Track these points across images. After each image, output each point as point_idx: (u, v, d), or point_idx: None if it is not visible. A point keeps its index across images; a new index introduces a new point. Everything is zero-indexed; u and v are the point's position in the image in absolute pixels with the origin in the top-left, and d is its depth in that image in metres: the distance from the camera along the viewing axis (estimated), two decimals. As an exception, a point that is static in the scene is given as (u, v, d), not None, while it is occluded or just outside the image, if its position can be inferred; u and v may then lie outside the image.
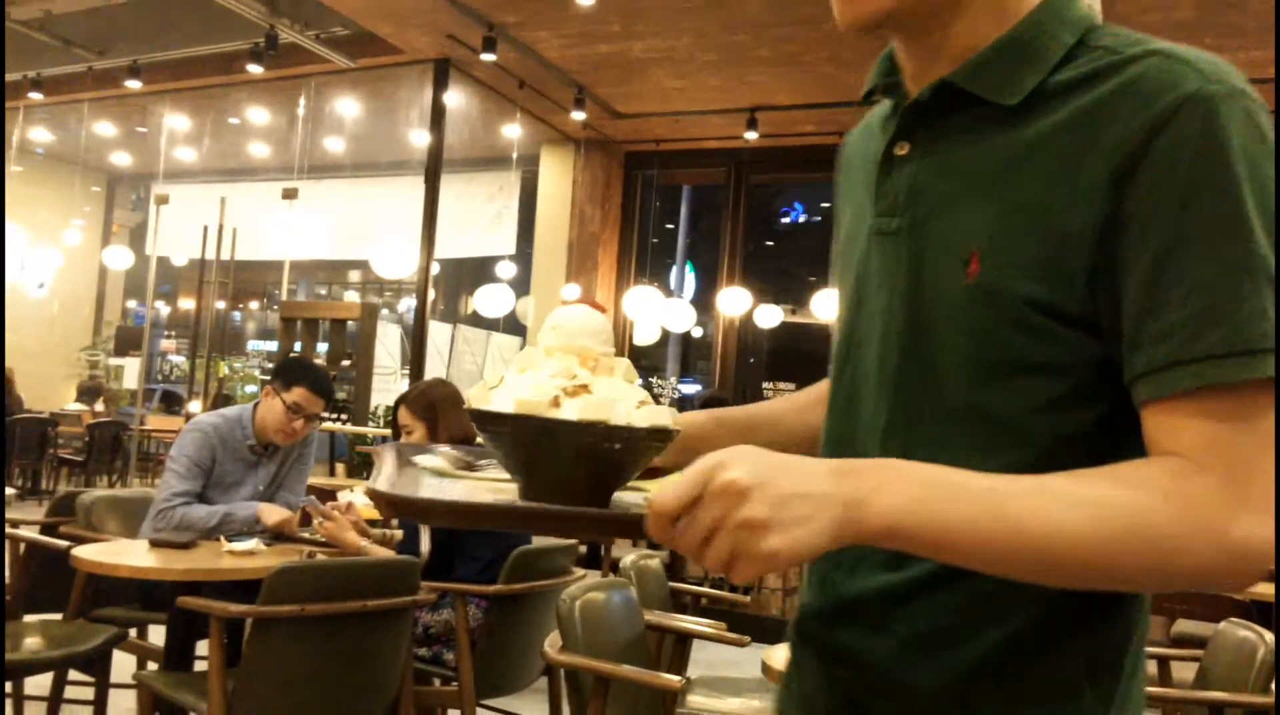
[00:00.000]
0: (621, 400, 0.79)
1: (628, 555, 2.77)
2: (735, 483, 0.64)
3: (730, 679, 2.98)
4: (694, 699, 2.73)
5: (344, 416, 6.98)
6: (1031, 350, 0.73)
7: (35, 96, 8.78)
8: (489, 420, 0.80)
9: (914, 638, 0.78)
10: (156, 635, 3.29)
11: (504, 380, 0.83)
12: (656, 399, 0.85)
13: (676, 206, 13.54)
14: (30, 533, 3.26)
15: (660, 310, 8.33)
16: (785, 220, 16.32)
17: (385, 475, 0.83)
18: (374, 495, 0.75)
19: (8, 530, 3.23)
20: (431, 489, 0.83)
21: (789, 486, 0.65)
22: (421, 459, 0.93)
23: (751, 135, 7.83)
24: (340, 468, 7.24)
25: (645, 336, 9.16)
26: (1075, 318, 0.72)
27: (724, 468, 0.65)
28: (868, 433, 0.83)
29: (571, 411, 0.77)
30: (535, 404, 0.78)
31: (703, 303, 9.20)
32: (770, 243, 16.20)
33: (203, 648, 2.95)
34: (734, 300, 8.32)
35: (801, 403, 1.06)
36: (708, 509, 0.65)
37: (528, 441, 0.79)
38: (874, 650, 0.80)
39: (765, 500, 0.64)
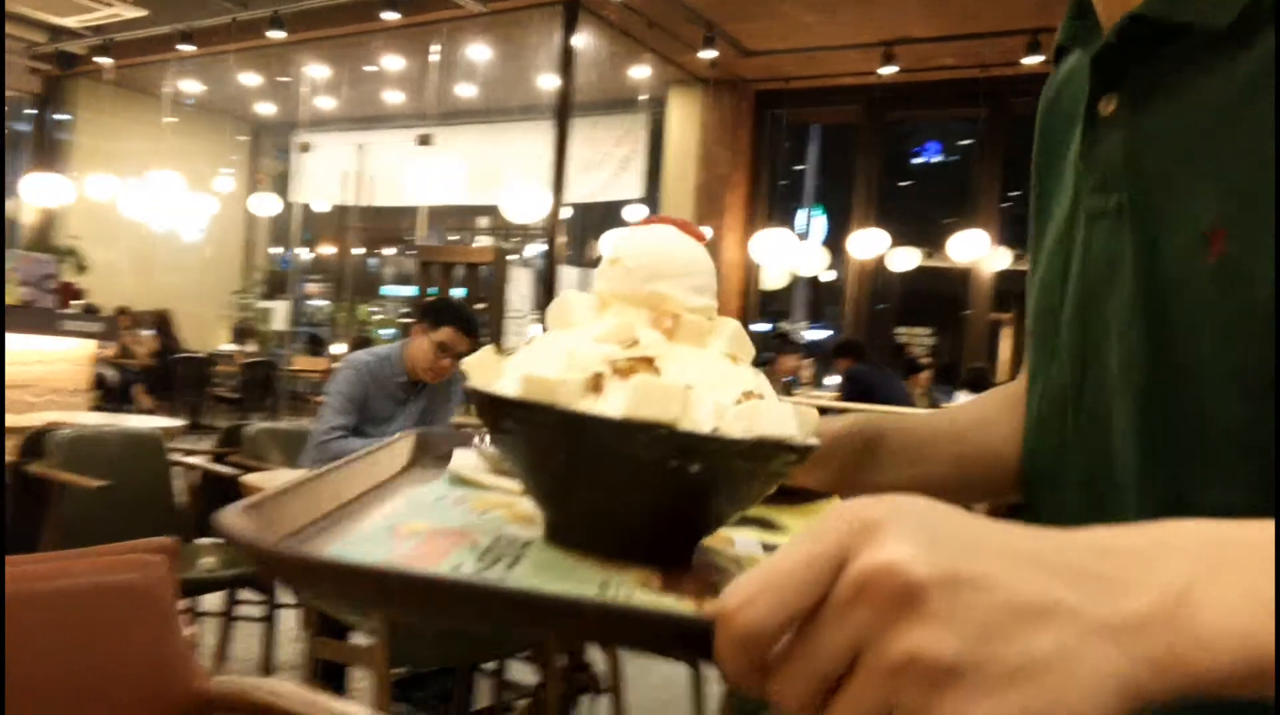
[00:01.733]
0: (708, 388, 0.51)
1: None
2: (897, 570, 0.34)
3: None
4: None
5: (479, 358, 7.15)
6: None
7: (185, 48, 9.17)
8: (489, 407, 0.52)
9: None
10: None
11: (531, 343, 0.57)
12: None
13: (805, 147, 13.29)
14: (202, 461, 3.48)
15: (789, 253, 8.23)
16: (919, 160, 15.85)
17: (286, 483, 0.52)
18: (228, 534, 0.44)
19: (182, 457, 3.45)
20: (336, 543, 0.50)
21: (1011, 586, 0.35)
22: (459, 456, 0.69)
23: (887, 70, 7.59)
24: (475, 410, 7.45)
25: (774, 280, 9.07)
26: None
27: (874, 535, 0.35)
28: (1123, 465, 0.61)
29: (616, 401, 0.49)
30: (559, 385, 0.49)
31: (832, 246, 9.04)
32: (904, 183, 15.78)
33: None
34: (866, 243, 8.15)
35: (978, 415, 0.83)
36: (839, 623, 0.35)
37: (545, 447, 0.51)
38: None
39: (961, 617, 0.34)
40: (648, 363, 0.52)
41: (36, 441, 3.30)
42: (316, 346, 11.94)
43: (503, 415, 0.52)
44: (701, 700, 3.12)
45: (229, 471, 3.26)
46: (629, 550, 0.51)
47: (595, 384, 0.50)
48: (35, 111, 11.54)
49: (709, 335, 0.56)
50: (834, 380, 7.55)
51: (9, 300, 5.78)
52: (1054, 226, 0.72)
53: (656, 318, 0.55)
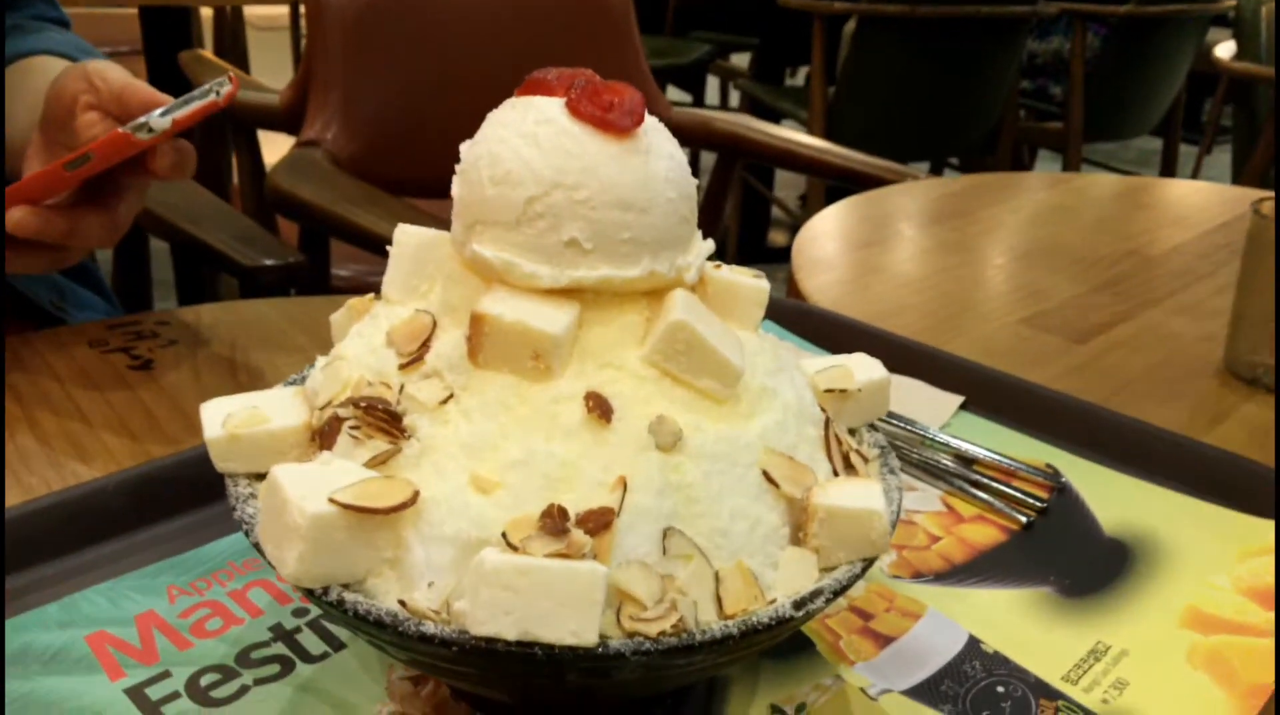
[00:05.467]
0: (466, 499, 0.31)
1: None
2: None
3: None
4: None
5: None
6: None
7: None
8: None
9: None
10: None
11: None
12: None
13: None
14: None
15: None
16: None
17: None
18: None
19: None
20: None
21: None
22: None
23: None
24: None
25: None
26: None
27: None
28: None
29: (323, 480, 0.30)
30: (265, 442, 0.35)
31: None
32: None
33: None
34: None
35: None
36: None
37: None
38: None
39: None
40: (388, 422, 0.32)
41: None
42: None
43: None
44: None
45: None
46: None
47: (326, 435, 0.33)
48: None
49: (568, 356, 0.32)
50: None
51: None
52: None
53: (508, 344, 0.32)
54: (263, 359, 0.65)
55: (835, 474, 0.35)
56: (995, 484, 0.53)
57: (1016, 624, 0.44)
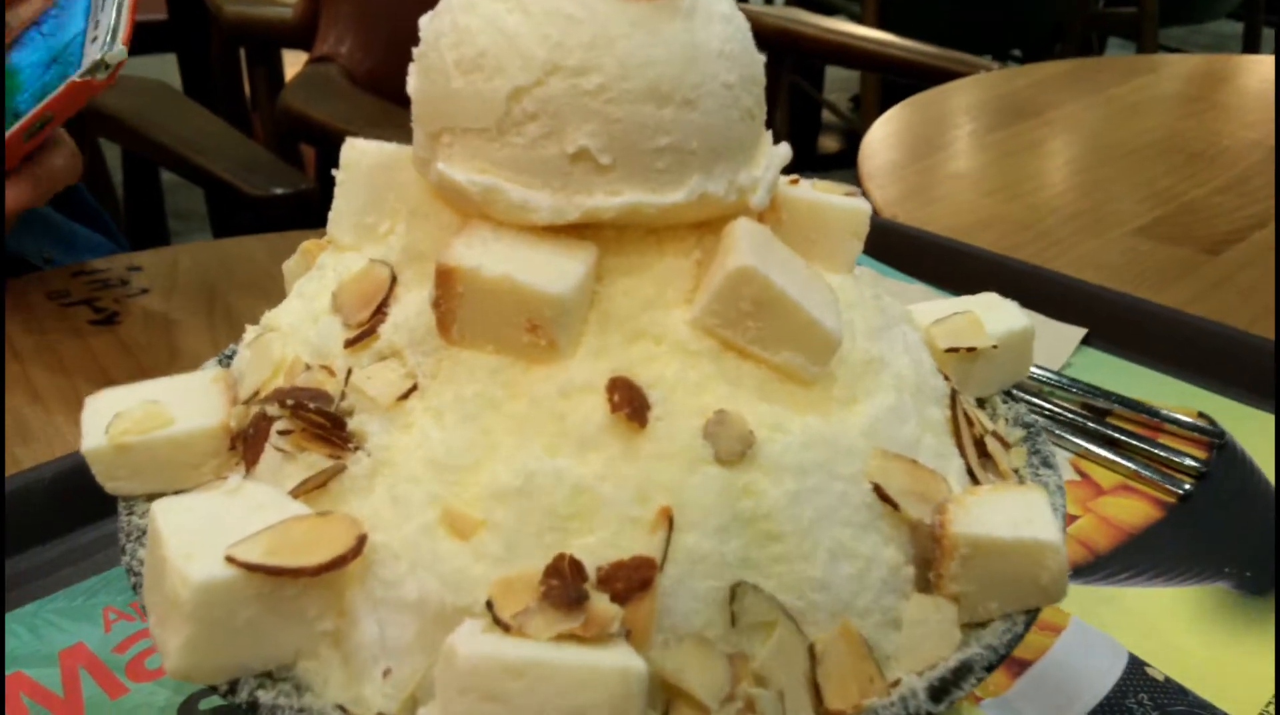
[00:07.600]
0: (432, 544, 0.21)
1: None
2: None
3: None
4: None
5: None
6: None
7: None
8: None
9: None
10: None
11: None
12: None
13: None
14: None
15: None
16: None
17: None
18: None
19: None
20: None
21: None
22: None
23: None
24: None
25: None
26: None
27: None
28: None
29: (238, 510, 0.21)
30: (164, 454, 0.26)
31: None
32: None
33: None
34: None
35: None
36: None
37: None
38: None
39: None
40: (326, 429, 0.22)
41: None
42: None
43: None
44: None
45: None
46: None
47: (250, 443, 0.24)
48: None
49: (581, 325, 0.21)
50: None
51: None
52: None
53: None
54: (245, 308, 0.56)
55: (969, 473, 0.25)
56: (1139, 442, 0.43)
57: (1188, 636, 0.34)
